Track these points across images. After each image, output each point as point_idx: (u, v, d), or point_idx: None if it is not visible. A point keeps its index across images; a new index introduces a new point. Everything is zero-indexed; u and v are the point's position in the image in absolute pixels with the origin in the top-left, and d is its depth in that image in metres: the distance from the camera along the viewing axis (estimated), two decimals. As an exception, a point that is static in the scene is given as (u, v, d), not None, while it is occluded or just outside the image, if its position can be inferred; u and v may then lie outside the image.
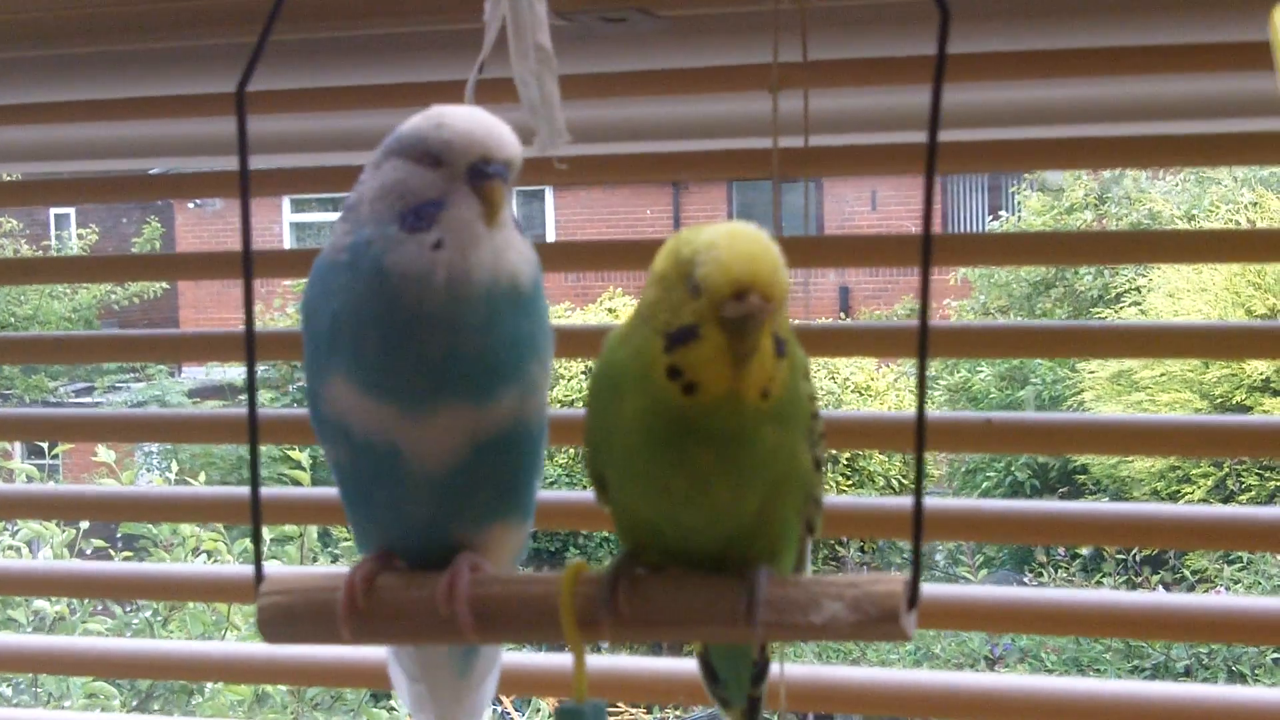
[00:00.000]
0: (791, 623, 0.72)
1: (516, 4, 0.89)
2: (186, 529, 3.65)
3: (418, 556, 0.80)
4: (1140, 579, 5.32)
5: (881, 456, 7.58)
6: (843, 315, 10.67)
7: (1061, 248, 1.38)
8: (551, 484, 7.11)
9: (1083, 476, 7.14)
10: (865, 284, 10.89)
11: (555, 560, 7.16)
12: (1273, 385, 6.47)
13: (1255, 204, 7.47)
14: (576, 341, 1.35)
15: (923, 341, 0.69)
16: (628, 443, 0.72)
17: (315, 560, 3.92)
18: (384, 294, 0.73)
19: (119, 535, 4.23)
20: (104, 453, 3.88)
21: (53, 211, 11.88)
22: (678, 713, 4.88)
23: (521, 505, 0.83)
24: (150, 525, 3.64)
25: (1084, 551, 5.73)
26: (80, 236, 11.04)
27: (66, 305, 9.98)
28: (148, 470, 7.29)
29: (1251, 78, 1.20)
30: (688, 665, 1.29)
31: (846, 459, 7.41)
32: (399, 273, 0.73)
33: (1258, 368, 6.42)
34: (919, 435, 0.70)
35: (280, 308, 9.20)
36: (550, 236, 11.22)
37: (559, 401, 7.13)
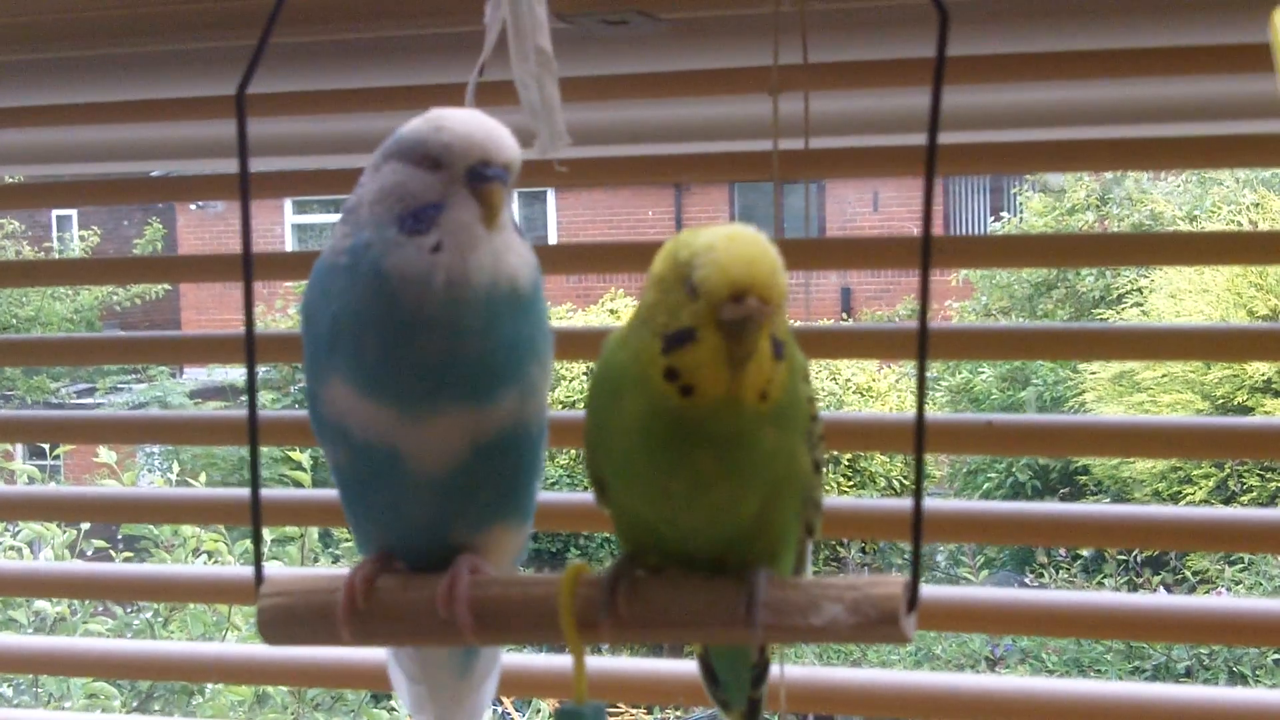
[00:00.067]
0: (791, 625, 0.72)
1: (517, 7, 0.89)
2: (187, 530, 3.66)
3: (418, 558, 0.80)
4: (1141, 580, 5.31)
5: (883, 458, 7.58)
6: (844, 316, 10.67)
7: (1063, 249, 1.39)
8: (552, 485, 7.11)
9: (1084, 477, 7.14)
10: (867, 285, 10.89)
11: (556, 561, 7.17)
12: (1274, 386, 6.47)
13: (1257, 205, 7.46)
14: (578, 343, 1.36)
15: (922, 343, 0.69)
16: (627, 445, 0.72)
17: (316, 561, 3.93)
18: (383, 296, 0.73)
19: (120, 536, 4.24)
20: (105, 454, 3.89)
21: (54, 213, 11.89)
22: (678, 713, 4.88)
23: (521, 507, 0.83)
24: (151, 526, 3.64)
25: (1085, 553, 5.73)
26: (82, 238, 11.04)
27: (68, 306, 9.98)
28: (149, 471, 7.29)
29: (1252, 80, 1.20)
30: (688, 666, 1.29)
31: (848, 460, 7.41)
32: (398, 275, 0.73)
33: (1259, 369, 6.41)
34: (919, 437, 0.71)
35: (282, 309, 9.21)
36: (552, 238, 11.22)
37: (560, 403, 7.14)
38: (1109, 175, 8.40)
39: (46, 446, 4.75)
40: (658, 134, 1.43)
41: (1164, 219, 8.10)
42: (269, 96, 1.39)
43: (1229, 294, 6.82)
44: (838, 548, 6.85)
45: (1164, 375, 6.76)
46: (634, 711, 5.05)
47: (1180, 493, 6.40)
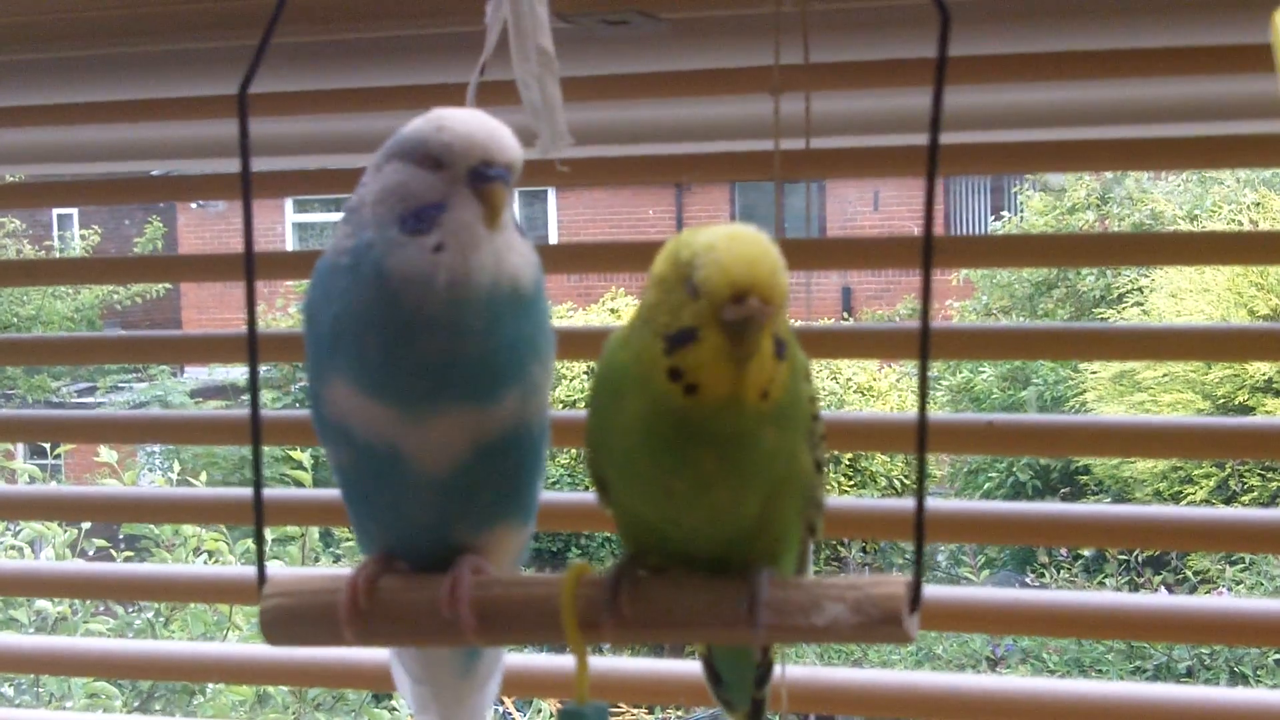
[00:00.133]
0: (793, 625, 0.72)
1: (518, 7, 0.89)
2: (188, 529, 3.66)
3: (420, 558, 0.80)
4: (1142, 580, 5.31)
5: (883, 457, 7.58)
6: (845, 316, 10.67)
7: (1064, 249, 1.39)
8: (553, 485, 7.11)
9: (1085, 477, 7.14)
10: (868, 284, 10.89)
11: (556, 561, 7.17)
12: (1275, 386, 6.47)
13: (1258, 204, 7.46)
14: (579, 342, 1.36)
15: (924, 344, 0.69)
16: (628, 445, 0.72)
17: (317, 560, 3.93)
18: (385, 296, 0.74)
19: (121, 535, 4.24)
20: (106, 453, 3.89)
21: (55, 212, 11.89)
22: (679, 713, 4.88)
23: (523, 507, 0.83)
24: (152, 526, 3.64)
25: (1086, 552, 5.73)
26: (83, 237, 11.04)
27: (69, 305, 9.98)
28: (150, 470, 7.29)
29: (1253, 80, 1.20)
30: (688, 666, 1.30)
31: (849, 460, 7.41)
32: (400, 275, 0.73)
33: (1260, 368, 6.41)
34: (921, 437, 0.71)
35: (283, 308, 9.21)
36: (553, 237, 11.22)
37: (561, 402, 7.14)
38: (1109, 175, 8.40)
39: (47, 446, 4.76)
40: (659, 134, 1.43)
41: (1164, 218, 8.09)
42: (270, 96, 1.39)
43: (1230, 293, 6.82)
44: (838, 547, 6.85)
45: (1165, 375, 6.75)
46: (635, 711, 5.05)
47: (1181, 493, 6.40)
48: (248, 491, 1.54)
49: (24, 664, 1.83)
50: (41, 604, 3.55)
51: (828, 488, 0.80)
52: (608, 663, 1.37)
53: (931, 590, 1.09)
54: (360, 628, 0.77)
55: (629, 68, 1.33)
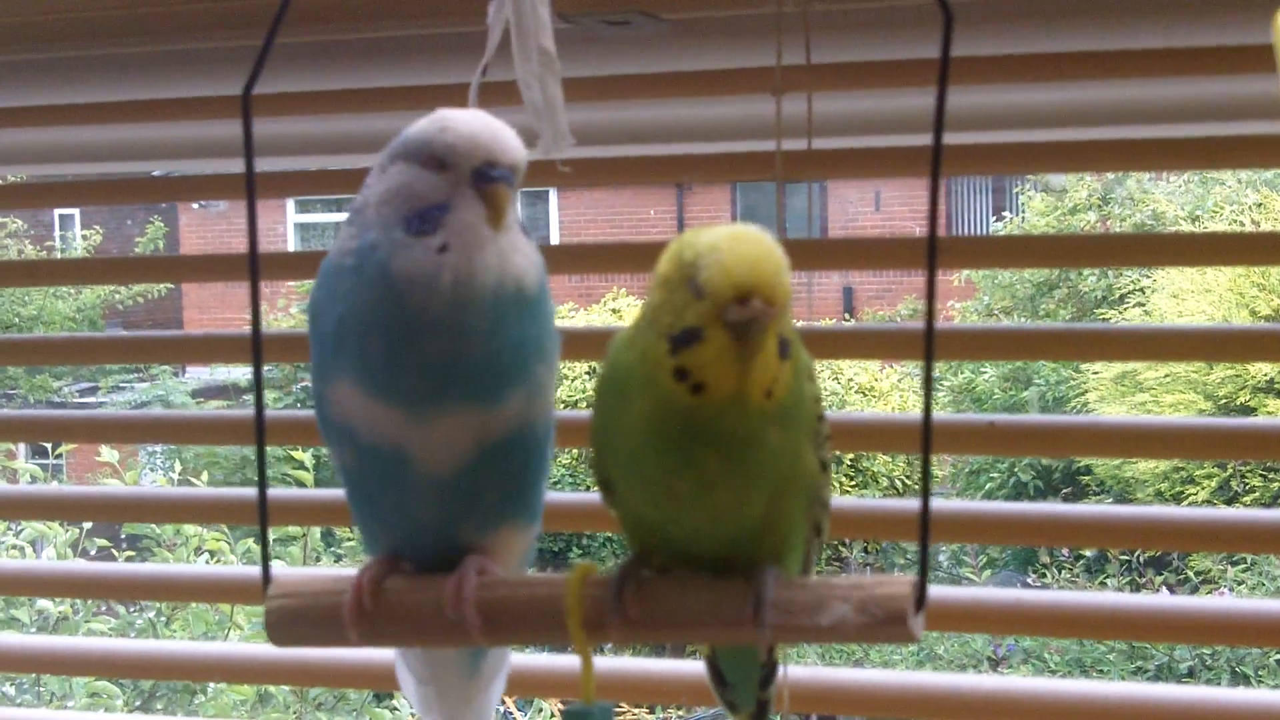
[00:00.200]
0: (798, 624, 0.72)
1: (520, 7, 0.89)
2: (190, 529, 3.66)
3: (425, 559, 0.80)
4: (1144, 580, 5.31)
5: (885, 458, 7.58)
6: (846, 316, 10.67)
7: (1066, 250, 1.39)
8: (554, 485, 7.08)
9: (1086, 478, 7.14)
10: (869, 284, 10.89)
11: (557, 561, 7.16)
12: (1277, 386, 6.47)
13: (1260, 205, 7.45)
14: (580, 343, 1.36)
15: (929, 344, 0.69)
16: (633, 445, 0.72)
17: (318, 560, 3.93)
18: (389, 297, 0.74)
19: (123, 535, 4.24)
20: (107, 453, 3.89)
21: (57, 212, 11.90)
22: (680, 713, 4.88)
23: (528, 507, 0.83)
24: (154, 525, 3.64)
25: (1088, 553, 5.73)
26: (84, 237, 11.05)
27: (71, 305, 9.98)
28: (151, 470, 7.30)
29: (1254, 80, 1.20)
30: (690, 666, 1.30)
31: (850, 460, 7.41)
32: (404, 276, 0.73)
33: (1262, 369, 6.41)
34: (925, 438, 0.71)
35: (284, 308, 9.21)
36: (554, 238, 11.22)
37: (562, 402, 7.13)
38: (1111, 175, 8.40)
39: (49, 446, 4.76)
40: (660, 134, 1.43)
41: (1166, 219, 8.09)
42: (271, 96, 1.39)
43: (1231, 294, 6.81)
44: (840, 548, 6.85)
45: (1166, 375, 6.75)
46: (636, 711, 5.05)
47: (1183, 493, 6.40)
48: (249, 491, 1.54)
49: (25, 663, 1.83)
50: (43, 603, 3.55)
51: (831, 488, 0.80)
52: (609, 662, 1.37)
53: (933, 590, 1.09)
54: (365, 628, 0.77)
55: (630, 68, 1.33)
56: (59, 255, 11.24)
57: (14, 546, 3.78)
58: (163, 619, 3.73)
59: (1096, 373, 7.20)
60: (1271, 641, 1.33)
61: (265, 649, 1.49)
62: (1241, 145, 1.25)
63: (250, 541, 3.70)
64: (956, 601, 1.28)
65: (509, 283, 0.75)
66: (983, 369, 8.00)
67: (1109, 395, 7.05)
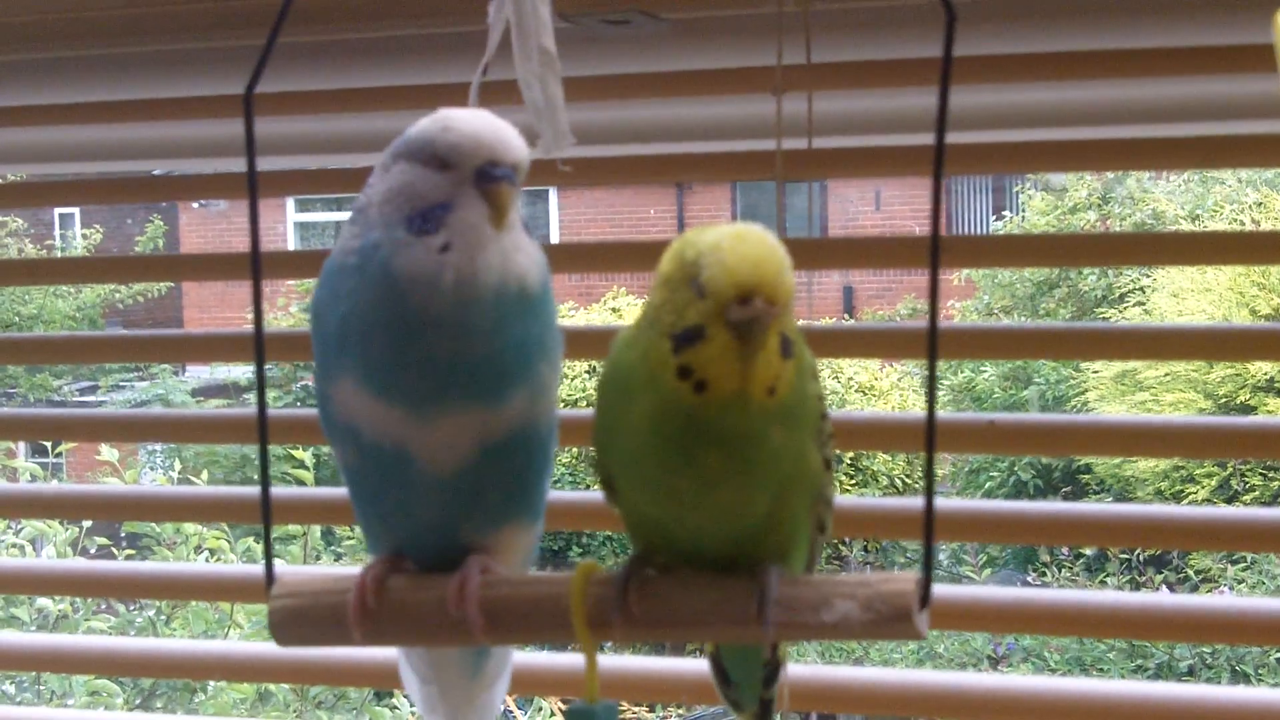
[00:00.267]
0: (803, 622, 0.71)
1: (520, 7, 0.89)
2: (189, 528, 3.66)
3: (428, 558, 0.80)
4: (1144, 579, 5.31)
5: (885, 456, 7.58)
6: (846, 316, 10.67)
7: (1065, 249, 1.39)
8: (554, 484, 7.07)
9: (1086, 476, 7.14)
10: (869, 284, 10.89)
11: (557, 560, 7.17)
12: (1277, 385, 6.47)
13: (1260, 204, 7.46)
14: (580, 342, 1.36)
15: (932, 343, 0.69)
16: (636, 444, 0.72)
17: (318, 559, 3.93)
18: (392, 297, 0.74)
19: (122, 534, 4.24)
20: (107, 452, 3.89)
21: (57, 211, 11.90)
22: (680, 712, 4.88)
23: (531, 507, 0.83)
24: (154, 524, 3.64)
25: (1088, 552, 5.73)
26: (85, 236, 11.05)
27: (71, 304, 9.98)
28: (150, 469, 7.30)
29: (1254, 80, 1.20)
30: (690, 665, 1.30)
31: (850, 459, 7.41)
32: (407, 275, 0.73)
33: (1262, 368, 6.41)
34: (929, 436, 0.70)
35: (284, 307, 9.21)
36: (554, 237, 11.22)
37: (562, 401, 7.10)
38: (1111, 175, 8.40)
39: (49, 444, 4.75)
40: (660, 133, 1.43)
41: (1166, 218, 8.09)
42: (271, 96, 1.39)
43: (1231, 293, 6.81)
44: (840, 546, 6.85)
45: (1166, 374, 6.75)
46: (636, 710, 5.05)
47: (1183, 492, 6.40)
48: (250, 490, 1.54)
49: (25, 662, 1.83)
50: (43, 602, 3.55)
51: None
52: (609, 661, 1.37)
53: (934, 589, 1.09)
54: (369, 628, 0.77)
55: (631, 67, 1.33)
56: (59, 254, 11.24)
57: (14, 545, 3.78)
58: (163, 618, 3.73)
59: (1096, 372, 7.20)
60: (1271, 640, 1.33)
61: (265, 647, 1.49)
62: (1241, 144, 1.25)
63: (250, 540, 3.70)
64: (957, 600, 1.28)
65: (511, 282, 0.75)
66: (982, 368, 8.00)
67: (1109, 394, 7.05)
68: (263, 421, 0.78)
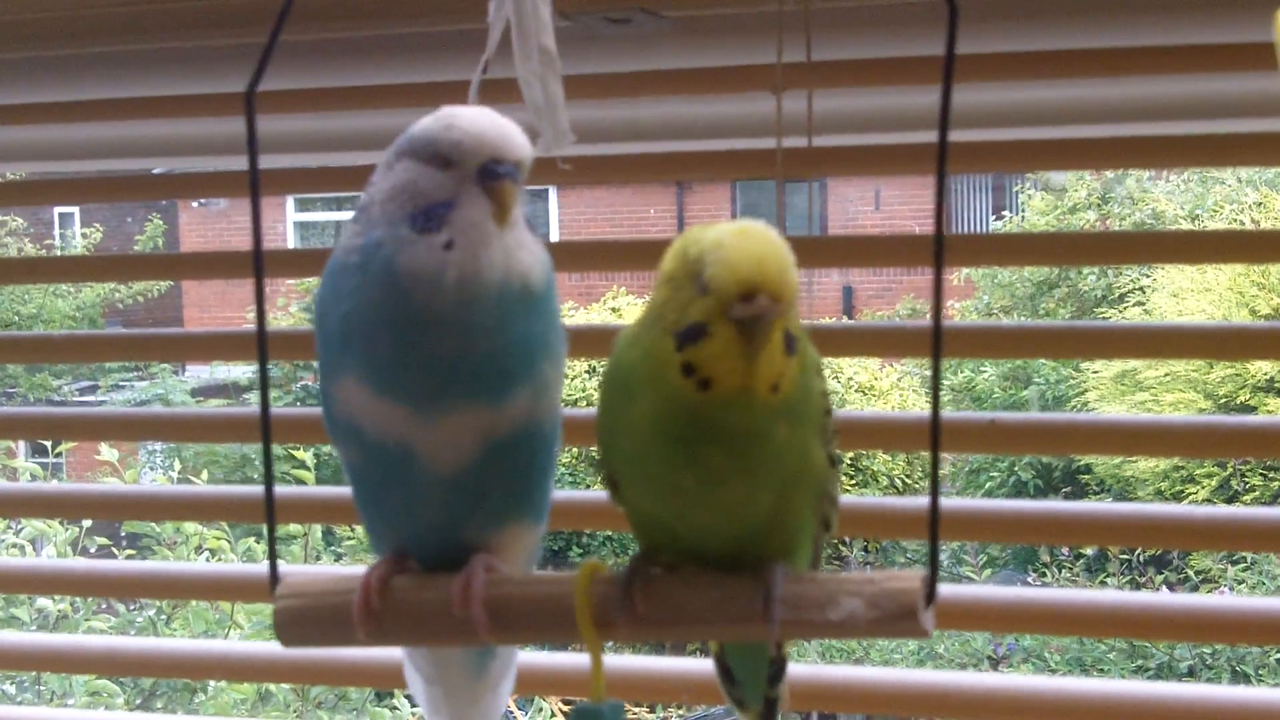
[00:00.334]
0: (808, 620, 0.71)
1: (520, 5, 0.89)
2: (190, 527, 3.66)
3: (432, 558, 0.80)
4: (1144, 579, 5.31)
5: (885, 456, 7.58)
6: (846, 316, 10.67)
7: (1065, 248, 1.38)
8: (555, 483, 7.08)
9: (1086, 476, 7.14)
10: (869, 284, 10.89)
11: (558, 560, 7.17)
12: (1277, 385, 6.47)
13: (1260, 204, 7.46)
14: (580, 341, 1.35)
15: (936, 342, 0.69)
16: (639, 442, 0.72)
17: (319, 559, 3.93)
18: (395, 295, 0.73)
19: (123, 534, 4.24)
20: (107, 451, 3.89)
21: (57, 210, 11.90)
22: (681, 712, 4.88)
23: (535, 506, 0.83)
24: (154, 524, 3.64)
25: (1088, 551, 5.73)
26: (84, 235, 11.05)
27: (70, 304, 9.98)
28: (150, 469, 7.30)
29: (1254, 78, 1.20)
30: (691, 664, 1.30)
31: (850, 458, 7.40)
32: (410, 274, 0.73)
33: (1262, 368, 6.41)
34: (934, 434, 0.70)
35: (284, 307, 9.21)
36: (554, 236, 11.22)
37: (562, 401, 7.11)
38: (1110, 174, 8.40)
39: (49, 444, 4.75)
40: (661, 132, 1.43)
41: (1166, 218, 8.09)
42: (271, 94, 1.39)
43: (1231, 293, 6.81)
44: (840, 546, 6.84)
45: (1166, 374, 6.75)
46: (637, 710, 5.05)
47: (1183, 492, 6.40)
48: (251, 489, 1.54)
49: (26, 662, 1.83)
50: (43, 602, 3.55)
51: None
52: (609, 660, 1.36)
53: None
54: (373, 628, 0.77)
55: (631, 66, 1.33)
56: (59, 253, 11.24)
57: (14, 545, 3.78)
58: (163, 617, 3.73)
59: (1096, 372, 7.20)
60: (1271, 640, 1.33)
61: (265, 647, 1.49)
62: (1242, 143, 1.25)
63: (251, 540, 3.70)
64: (957, 600, 1.27)
65: (515, 280, 0.75)
66: (982, 368, 8.00)
67: (1109, 394, 7.05)
68: (266, 421, 0.78)
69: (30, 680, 3.51)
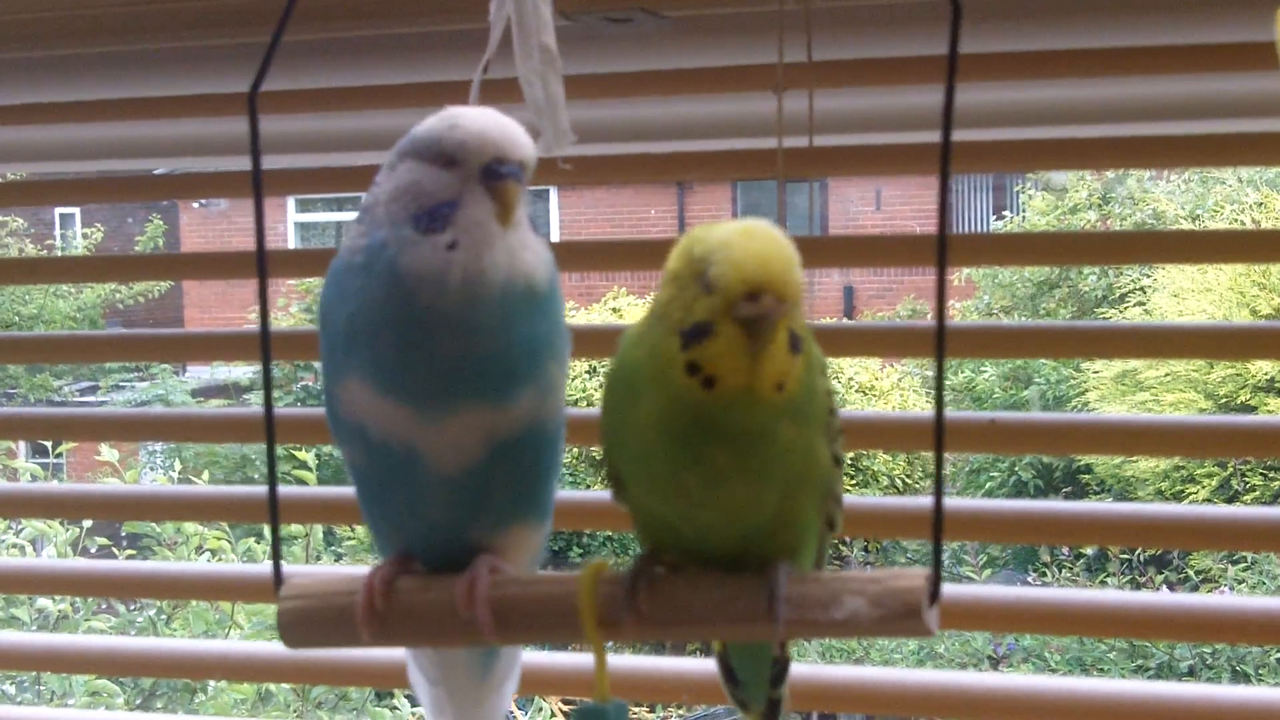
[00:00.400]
0: (813, 619, 0.71)
1: (521, 5, 0.89)
2: (190, 527, 3.66)
3: (436, 559, 0.80)
4: (1144, 579, 5.31)
5: (885, 456, 7.58)
6: (846, 316, 10.67)
7: (1066, 248, 1.38)
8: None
9: (1087, 476, 7.14)
10: (869, 284, 10.89)
11: (558, 560, 7.16)
12: (1277, 385, 6.47)
13: (1260, 204, 7.46)
14: (581, 341, 1.35)
15: (940, 341, 0.69)
16: (644, 442, 0.72)
17: (319, 559, 3.93)
18: (399, 295, 0.73)
19: (123, 534, 4.24)
20: (107, 452, 3.89)
21: (57, 211, 11.90)
22: (681, 712, 4.88)
23: (540, 506, 0.83)
24: (154, 524, 3.64)
25: (1088, 551, 5.73)
26: (85, 235, 11.05)
27: (71, 304, 9.99)
28: (151, 469, 7.30)
29: (1255, 78, 1.20)
30: (691, 664, 1.29)
31: (851, 458, 7.41)
32: (414, 274, 0.73)
33: (1262, 368, 6.41)
34: (938, 433, 0.70)
35: (284, 307, 9.21)
36: (555, 236, 11.22)
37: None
38: (1111, 174, 8.40)
39: (49, 444, 4.76)
40: (661, 132, 1.43)
41: (1166, 218, 8.09)
42: (272, 94, 1.39)
43: (1232, 293, 6.82)
44: (840, 546, 6.85)
45: (1167, 374, 6.75)
46: (637, 710, 5.05)
47: (1183, 492, 6.40)
48: (251, 490, 1.54)
49: (26, 662, 1.83)
50: (43, 602, 3.55)
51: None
52: (610, 660, 1.36)
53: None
54: (377, 629, 0.77)
55: (632, 65, 1.33)
56: (59, 253, 11.24)
57: (14, 545, 3.78)
58: (163, 618, 3.73)
59: (1097, 372, 7.20)
60: (1272, 640, 1.32)
61: (266, 647, 1.49)
62: (1242, 143, 1.25)
63: (251, 541, 3.70)
64: (958, 600, 1.27)
65: (519, 280, 0.75)
66: (983, 368, 8.00)
67: (1109, 394, 7.05)
68: (269, 421, 0.78)
69: (30, 680, 3.51)
